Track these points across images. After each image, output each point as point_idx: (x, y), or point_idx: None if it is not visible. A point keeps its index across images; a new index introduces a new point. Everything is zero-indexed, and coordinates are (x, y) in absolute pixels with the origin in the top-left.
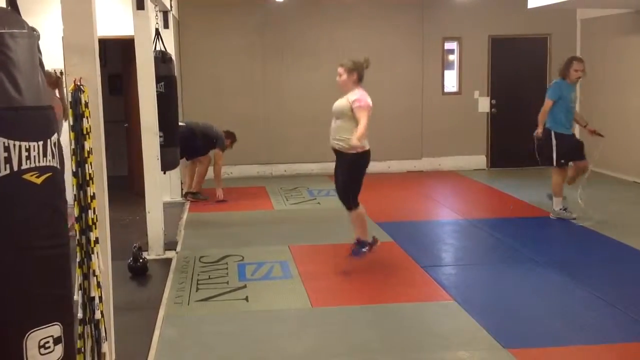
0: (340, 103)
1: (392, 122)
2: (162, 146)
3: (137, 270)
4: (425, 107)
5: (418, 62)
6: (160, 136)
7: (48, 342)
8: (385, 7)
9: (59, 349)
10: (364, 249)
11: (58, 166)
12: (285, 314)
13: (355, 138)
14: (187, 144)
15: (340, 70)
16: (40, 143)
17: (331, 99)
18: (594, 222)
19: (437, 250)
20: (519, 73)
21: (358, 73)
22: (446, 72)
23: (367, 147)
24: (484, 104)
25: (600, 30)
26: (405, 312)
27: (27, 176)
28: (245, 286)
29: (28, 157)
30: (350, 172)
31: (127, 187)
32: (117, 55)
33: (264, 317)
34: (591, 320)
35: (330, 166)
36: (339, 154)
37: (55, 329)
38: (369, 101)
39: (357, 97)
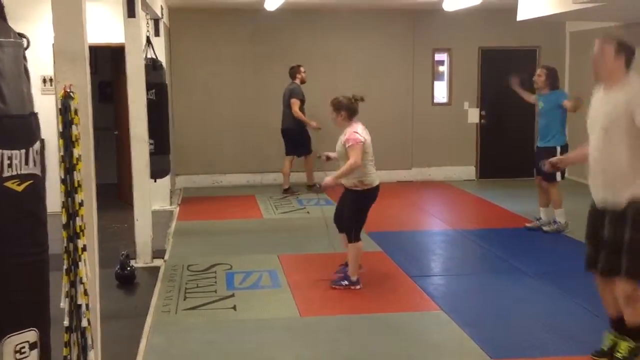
0: (338, 147)
1: (383, 131)
2: (153, 154)
3: (125, 279)
4: (416, 118)
5: (409, 73)
6: (150, 144)
7: (24, 347)
8: (377, 18)
9: (35, 355)
10: (344, 282)
11: (39, 174)
12: (274, 324)
13: (331, 177)
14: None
15: (332, 109)
16: (23, 151)
17: (322, 108)
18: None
19: (425, 260)
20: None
21: (347, 110)
22: (436, 83)
23: (375, 184)
24: (474, 115)
25: (589, 43)
26: (393, 321)
27: (8, 184)
28: (233, 295)
29: (10, 165)
30: (355, 206)
31: (116, 194)
32: (108, 63)
33: (252, 326)
34: (577, 331)
35: (321, 175)
36: (346, 189)
37: (32, 335)
38: (359, 137)
39: (347, 136)
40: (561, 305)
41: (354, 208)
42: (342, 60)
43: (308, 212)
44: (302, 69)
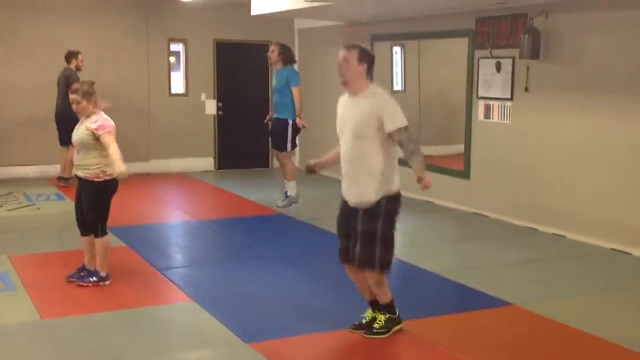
0: (80, 134)
1: (117, 123)
2: None
3: None
4: (152, 109)
5: (143, 62)
6: None
7: None
8: (108, 4)
9: None
10: (92, 279)
11: None
12: (10, 329)
13: (118, 167)
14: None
15: (77, 98)
16: None
17: (49, 96)
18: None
19: (172, 252)
20: (244, 77)
21: (96, 96)
22: (173, 74)
23: (114, 175)
24: (211, 107)
25: (315, 39)
26: (144, 316)
27: None
28: None
29: None
30: (100, 198)
31: None
32: None
33: None
34: (321, 309)
35: (50, 169)
36: (84, 182)
37: None
38: (112, 124)
39: (100, 124)
40: (305, 286)
41: (96, 200)
42: (73, 46)
43: (39, 209)
44: (80, 55)
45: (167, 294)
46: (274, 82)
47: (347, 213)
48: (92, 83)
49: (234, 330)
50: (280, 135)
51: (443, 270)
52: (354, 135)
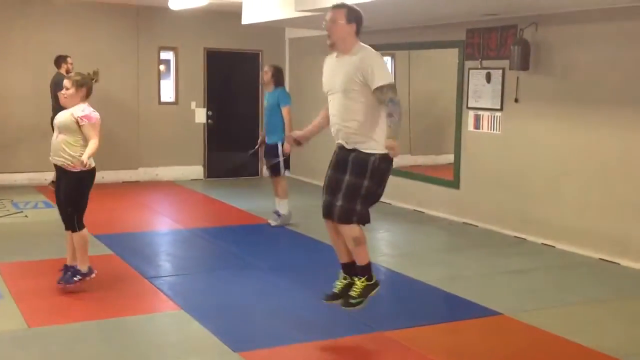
0: (65, 118)
1: (107, 130)
2: None
3: None
4: (142, 116)
5: (134, 70)
6: None
7: None
8: (99, 12)
9: None
10: (76, 278)
11: None
12: None
13: (85, 156)
14: None
15: (68, 84)
16: None
17: (38, 104)
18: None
19: (161, 261)
20: (234, 86)
21: (88, 88)
22: (163, 82)
23: (93, 165)
24: (201, 115)
25: (306, 49)
26: (132, 325)
27: None
28: None
29: None
30: (77, 190)
31: None
32: None
33: None
34: (313, 319)
35: (38, 177)
36: (63, 171)
37: None
38: (97, 116)
39: (86, 113)
40: (295, 296)
41: (76, 191)
42: (60, 54)
43: (26, 216)
44: (69, 59)
45: (155, 303)
46: (265, 102)
47: (337, 165)
48: (91, 78)
49: (224, 339)
50: (273, 162)
51: (432, 279)
52: (343, 92)
